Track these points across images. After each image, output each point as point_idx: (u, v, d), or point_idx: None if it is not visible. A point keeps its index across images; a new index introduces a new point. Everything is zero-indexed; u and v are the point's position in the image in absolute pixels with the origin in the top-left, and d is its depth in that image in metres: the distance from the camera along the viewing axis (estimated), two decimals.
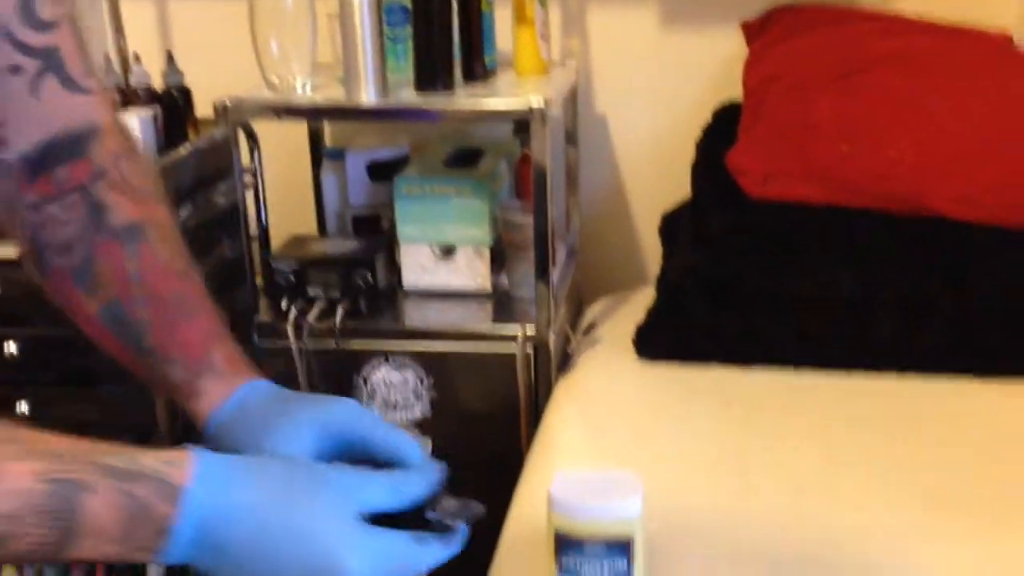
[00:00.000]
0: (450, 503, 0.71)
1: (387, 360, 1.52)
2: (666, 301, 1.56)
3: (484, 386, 1.52)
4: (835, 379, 1.45)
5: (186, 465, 0.64)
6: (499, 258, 1.63)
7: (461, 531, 0.72)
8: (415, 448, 0.75)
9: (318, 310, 1.52)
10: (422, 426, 1.53)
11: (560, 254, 1.73)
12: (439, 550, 0.70)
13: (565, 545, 1.01)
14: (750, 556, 1.07)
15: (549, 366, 1.52)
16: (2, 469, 0.59)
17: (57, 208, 0.77)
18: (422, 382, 1.52)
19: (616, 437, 1.33)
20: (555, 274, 1.63)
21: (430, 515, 0.71)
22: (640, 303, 1.61)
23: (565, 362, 1.57)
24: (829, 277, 1.48)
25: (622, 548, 1.00)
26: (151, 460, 0.63)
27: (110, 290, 0.77)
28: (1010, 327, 1.43)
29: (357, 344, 1.52)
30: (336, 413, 0.75)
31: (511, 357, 1.49)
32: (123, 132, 0.82)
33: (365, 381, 1.52)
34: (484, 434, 1.52)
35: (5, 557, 0.60)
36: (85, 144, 0.78)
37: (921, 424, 1.33)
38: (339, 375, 1.53)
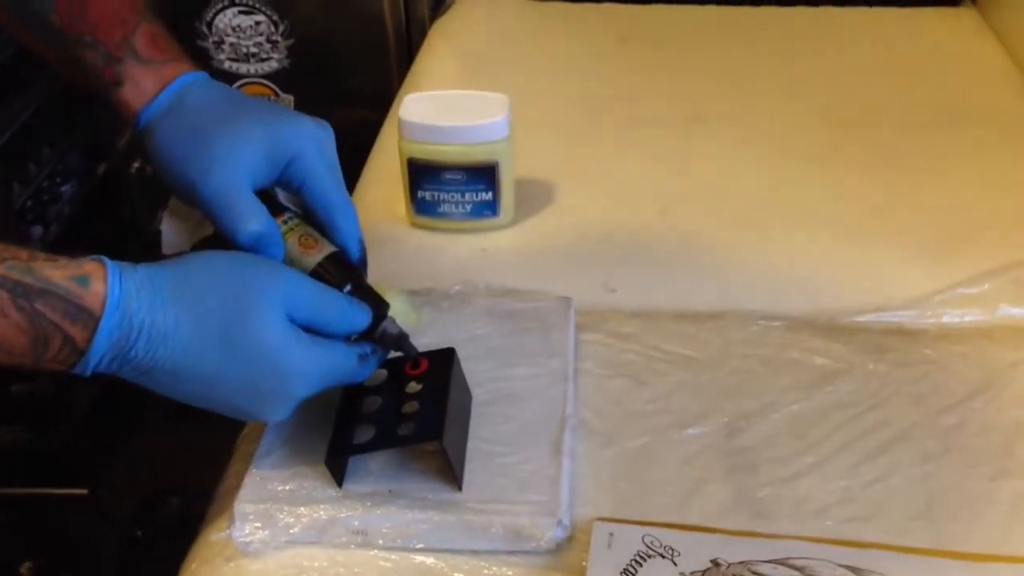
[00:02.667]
0: (393, 328, 0.65)
1: (233, 2, 1.31)
2: None
3: (349, 29, 1.33)
4: (740, 12, 1.30)
5: (98, 284, 0.56)
6: None
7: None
8: (352, 223, 0.68)
9: None
10: (281, 79, 1.35)
11: None
12: (373, 366, 0.65)
13: (419, 175, 0.87)
14: (636, 193, 0.95)
15: (422, 4, 1.33)
16: None
17: None
18: (276, 27, 1.32)
19: (495, 76, 1.17)
20: None
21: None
22: None
23: (441, 1, 1.39)
24: None
25: (485, 176, 0.86)
26: (59, 274, 0.56)
27: None
28: None
29: None
30: (291, 140, 0.67)
31: None
32: None
33: (209, 27, 1.32)
34: (350, 87, 1.35)
35: None
36: None
37: (834, 54, 1.20)
38: (178, 20, 1.32)
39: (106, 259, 0.58)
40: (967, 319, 0.79)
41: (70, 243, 1.28)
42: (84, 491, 1.34)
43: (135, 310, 0.57)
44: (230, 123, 0.66)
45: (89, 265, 0.57)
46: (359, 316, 0.63)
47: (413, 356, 0.66)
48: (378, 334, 0.64)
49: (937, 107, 1.08)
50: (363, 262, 0.69)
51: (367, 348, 0.63)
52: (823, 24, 1.27)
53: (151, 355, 0.57)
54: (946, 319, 0.79)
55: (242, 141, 0.66)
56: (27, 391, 1.29)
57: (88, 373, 0.58)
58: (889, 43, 1.22)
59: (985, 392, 0.71)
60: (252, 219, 0.64)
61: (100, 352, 0.57)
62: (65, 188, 1.31)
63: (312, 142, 0.67)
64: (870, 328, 0.78)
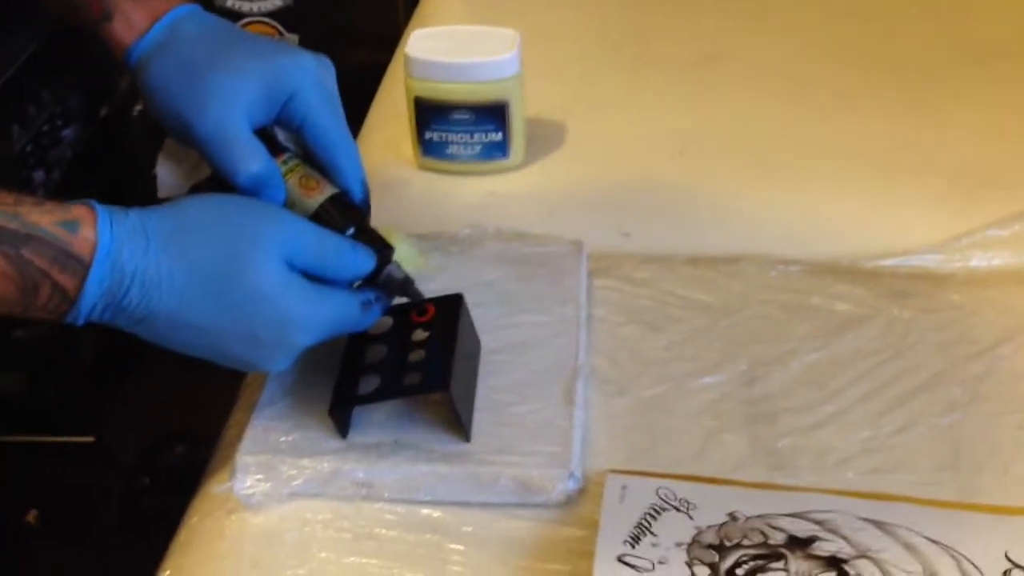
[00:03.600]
0: (398, 272, 0.62)
1: None
2: None
3: None
4: None
5: (88, 230, 0.54)
6: None
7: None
8: (354, 163, 0.65)
9: None
10: (285, 18, 1.32)
11: None
12: (377, 314, 0.62)
13: (427, 115, 0.84)
14: (651, 133, 0.92)
15: None
16: None
17: None
18: None
19: (504, 12, 1.13)
20: None
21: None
22: None
23: None
24: None
25: (495, 115, 0.83)
26: (46, 219, 0.54)
27: None
28: None
29: None
30: (290, 76, 0.64)
31: None
32: None
33: None
34: (356, 26, 1.32)
35: None
36: None
37: None
38: None
39: (96, 204, 0.55)
40: (995, 263, 0.76)
41: (72, 187, 1.26)
42: (90, 439, 1.34)
43: (127, 257, 0.54)
44: (226, 58, 0.63)
45: (78, 209, 0.55)
46: (363, 260, 0.60)
47: (419, 302, 0.64)
48: (382, 279, 0.61)
49: (961, 43, 1.04)
50: (366, 204, 0.66)
51: (371, 295, 0.61)
52: None
53: (145, 304, 0.55)
54: (974, 263, 0.76)
55: (239, 77, 0.63)
56: (29, 336, 1.28)
57: (80, 322, 0.56)
58: None
59: (1015, 339, 0.68)
60: (251, 159, 0.62)
61: (91, 301, 0.54)
62: (66, 132, 1.29)
63: (312, 78, 0.64)
64: (894, 272, 0.75)
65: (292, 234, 0.58)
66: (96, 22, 0.66)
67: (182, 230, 0.57)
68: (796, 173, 0.86)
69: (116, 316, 0.56)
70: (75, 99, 1.31)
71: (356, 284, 0.61)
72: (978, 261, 0.76)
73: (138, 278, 0.55)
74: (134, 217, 0.56)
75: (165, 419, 1.37)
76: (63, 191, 1.24)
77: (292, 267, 0.57)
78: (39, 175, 1.24)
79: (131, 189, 1.40)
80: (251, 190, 0.62)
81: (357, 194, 0.65)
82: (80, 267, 0.54)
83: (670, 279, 0.74)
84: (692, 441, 0.63)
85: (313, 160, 0.65)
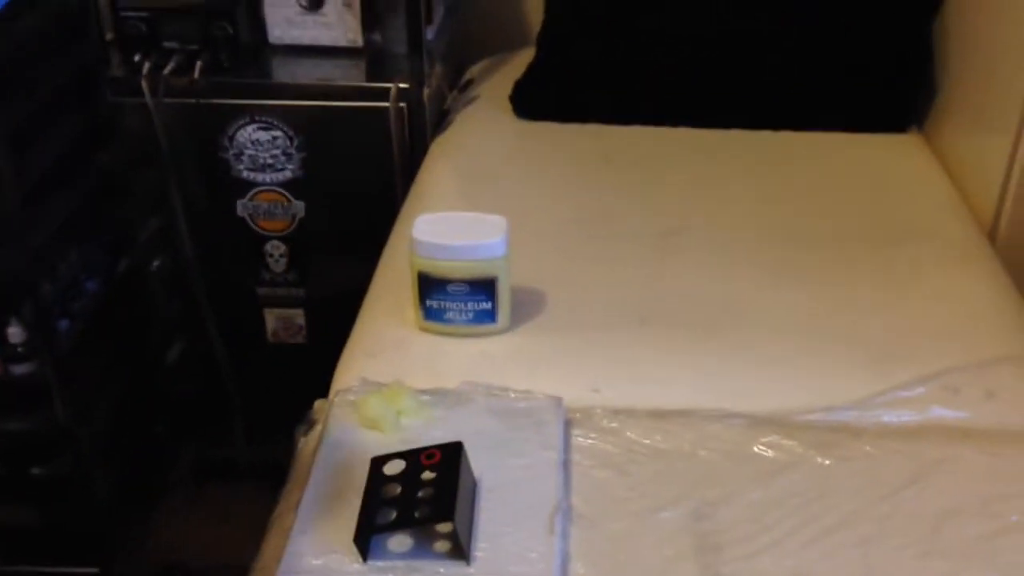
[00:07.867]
0: None
1: (253, 119, 1.44)
2: (546, 53, 1.51)
3: (357, 145, 1.46)
4: (711, 134, 1.44)
5: None
6: (372, 14, 1.54)
7: None
8: None
9: (175, 64, 1.42)
10: (294, 188, 1.48)
11: (438, 10, 1.65)
12: None
13: (428, 286, 0.99)
14: (618, 302, 1.07)
15: (424, 123, 1.46)
16: None
17: None
18: (291, 141, 1.45)
19: (490, 192, 1.30)
20: (431, 30, 1.55)
21: None
22: (522, 63, 1.55)
23: (441, 120, 1.52)
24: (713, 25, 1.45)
25: (485, 288, 0.98)
26: None
27: None
28: (886, 84, 1.43)
29: (220, 101, 1.44)
30: None
31: (383, 112, 1.43)
32: None
33: (231, 141, 1.45)
34: (358, 195, 1.48)
35: None
36: None
37: (792, 175, 1.33)
38: (202, 134, 1.45)
39: None
40: (903, 419, 0.91)
41: (95, 336, 1.38)
42: (95, 570, 1.42)
43: None
44: None
45: None
46: None
47: (426, 448, 0.77)
48: None
49: (884, 226, 1.21)
50: None
51: None
52: (785, 147, 1.41)
53: None
54: (884, 419, 0.91)
55: None
56: (45, 473, 1.37)
57: None
58: (843, 165, 1.36)
59: (915, 484, 0.83)
60: None
61: None
62: (89, 284, 1.42)
63: None
64: (818, 426, 0.89)
65: None
66: None
67: None
68: (738, 338, 1.01)
69: None
70: (96, 254, 1.44)
71: None
72: (888, 417, 0.91)
73: None
74: None
75: (166, 552, 1.45)
76: (87, 339, 1.36)
77: None
78: (64, 324, 1.36)
79: (148, 335, 1.54)
80: None
81: None
82: None
83: (634, 429, 0.88)
84: (652, 566, 0.76)
85: None
